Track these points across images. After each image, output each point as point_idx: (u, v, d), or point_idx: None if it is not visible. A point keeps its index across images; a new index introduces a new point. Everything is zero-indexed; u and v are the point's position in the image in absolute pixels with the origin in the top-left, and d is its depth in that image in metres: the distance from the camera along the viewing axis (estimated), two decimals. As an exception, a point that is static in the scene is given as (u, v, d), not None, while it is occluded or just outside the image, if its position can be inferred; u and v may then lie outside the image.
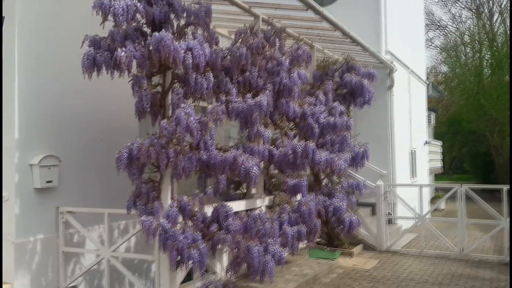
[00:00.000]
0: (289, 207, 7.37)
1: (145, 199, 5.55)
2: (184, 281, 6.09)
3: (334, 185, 8.84)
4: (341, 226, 8.63)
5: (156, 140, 5.35)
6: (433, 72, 36.53)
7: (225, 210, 6.04)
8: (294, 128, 8.77)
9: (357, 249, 9.39)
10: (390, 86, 12.27)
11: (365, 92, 9.42)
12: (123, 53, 4.97)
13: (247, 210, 7.19)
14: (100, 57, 5.25)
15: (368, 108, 10.14)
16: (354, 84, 9.33)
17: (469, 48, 31.55)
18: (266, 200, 7.71)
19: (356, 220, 8.57)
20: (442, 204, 19.04)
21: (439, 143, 22.55)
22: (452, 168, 48.70)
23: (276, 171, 8.63)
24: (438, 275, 7.66)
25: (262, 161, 7.48)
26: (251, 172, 5.68)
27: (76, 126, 6.47)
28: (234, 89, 6.46)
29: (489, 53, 28.28)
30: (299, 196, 7.86)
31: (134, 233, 5.83)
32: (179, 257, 5.33)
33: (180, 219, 5.68)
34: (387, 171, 12.15)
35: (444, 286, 6.98)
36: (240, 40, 6.65)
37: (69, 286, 6.19)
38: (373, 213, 11.78)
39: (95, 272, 6.53)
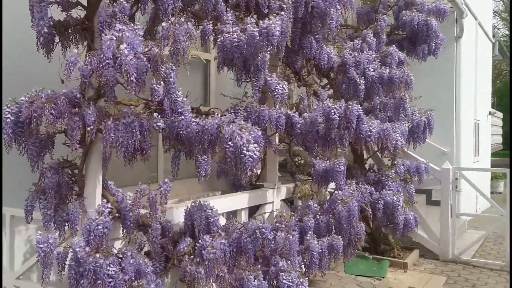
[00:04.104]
0: (316, 204, 4.80)
1: (55, 197, 3.09)
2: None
3: (385, 169, 6.15)
4: (392, 225, 6.04)
5: (65, 92, 2.85)
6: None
7: (205, 215, 3.52)
8: (328, 88, 6.14)
9: (412, 257, 6.76)
10: (458, 36, 9.29)
11: (432, 37, 6.58)
12: None
13: (251, 210, 4.70)
14: None
15: (427, 62, 7.28)
16: (416, 25, 6.49)
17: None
18: (283, 191, 5.16)
19: (413, 218, 5.95)
20: (500, 186, 16.10)
21: (500, 114, 19.26)
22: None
23: (299, 147, 6.09)
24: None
25: (277, 133, 4.89)
26: (245, 153, 3.08)
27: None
28: (228, 13, 3.84)
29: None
30: (332, 185, 5.30)
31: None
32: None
33: (121, 232, 3.22)
34: (449, 148, 9.33)
35: None
36: None
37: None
38: (429, 202, 9.09)
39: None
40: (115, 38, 2.71)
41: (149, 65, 2.85)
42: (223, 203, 4.21)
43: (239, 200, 4.48)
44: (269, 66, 4.26)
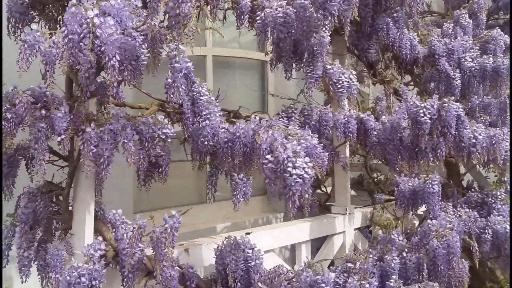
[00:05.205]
0: (401, 237, 3.63)
1: (33, 235, 2.28)
2: None
3: (491, 188, 4.80)
4: (501, 258, 4.67)
5: (30, 89, 2.04)
6: None
7: (243, 258, 2.54)
8: (412, 87, 4.98)
9: (529, 299, 5.30)
10: None
11: (547, 18, 5.21)
12: None
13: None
14: None
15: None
16: (525, 3, 5.16)
17: None
18: (357, 218, 4.05)
19: (530, 249, 4.53)
20: None
21: None
22: None
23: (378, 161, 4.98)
24: None
25: (347, 141, 3.81)
26: (290, 171, 2.05)
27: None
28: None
29: None
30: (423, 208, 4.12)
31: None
32: None
33: (119, 283, 2.32)
34: None
35: None
36: None
37: None
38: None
39: None
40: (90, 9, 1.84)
41: (144, 45, 1.97)
42: (275, 236, 3.21)
43: (297, 232, 3.44)
44: (332, 55, 3.25)
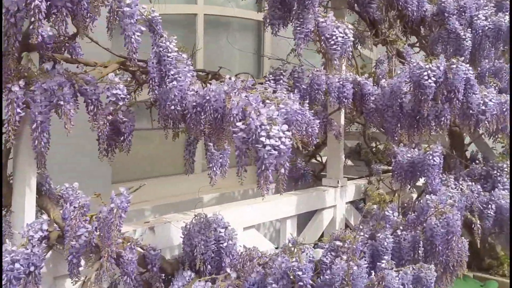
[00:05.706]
0: (396, 213, 3.32)
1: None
2: None
3: (497, 159, 4.46)
4: (503, 234, 4.39)
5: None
6: None
7: (215, 238, 2.23)
8: (418, 50, 4.61)
9: (530, 276, 5.07)
10: None
11: None
12: None
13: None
14: None
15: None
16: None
17: None
18: (350, 191, 3.74)
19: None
20: None
21: None
22: None
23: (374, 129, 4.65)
24: None
25: (342, 108, 3.44)
26: (263, 141, 1.72)
27: None
28: None
29: None
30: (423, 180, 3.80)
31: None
32: None
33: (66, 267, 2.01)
34: None
35: None
36: None
37: None
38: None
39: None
40: None
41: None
42: (257, 211, 2.90)
43: (283, 206, 3.13)
44: (330, 9, 2.84)
